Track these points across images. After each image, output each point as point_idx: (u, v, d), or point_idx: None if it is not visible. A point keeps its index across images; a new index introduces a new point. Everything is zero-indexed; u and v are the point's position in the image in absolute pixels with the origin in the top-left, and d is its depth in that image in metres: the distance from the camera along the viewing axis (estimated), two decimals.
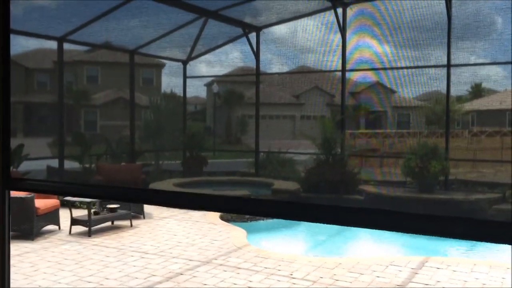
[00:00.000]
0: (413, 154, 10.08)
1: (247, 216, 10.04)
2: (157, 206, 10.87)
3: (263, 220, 10.14)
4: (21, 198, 7.72)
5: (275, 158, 13.49)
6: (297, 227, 10.29)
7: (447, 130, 10.49)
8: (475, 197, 9.40)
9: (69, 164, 12.38)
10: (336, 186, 10.80)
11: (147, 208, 10.37)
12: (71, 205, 8.57)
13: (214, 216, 9.80)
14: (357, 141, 14.76)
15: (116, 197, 2.08)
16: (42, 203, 8.15)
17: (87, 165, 12.44)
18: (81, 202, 9.24)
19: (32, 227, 7.86)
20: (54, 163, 11.95)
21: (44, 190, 2.64)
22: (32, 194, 7.97)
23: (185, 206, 1.78)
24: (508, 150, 11.19)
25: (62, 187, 2.70)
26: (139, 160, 14.11)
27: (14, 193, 7.45)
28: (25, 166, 11.38)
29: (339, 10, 11.51)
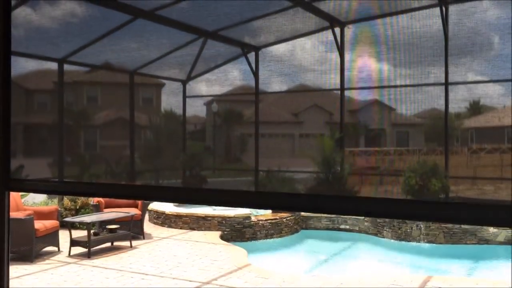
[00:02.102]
0: (413, 172, 10.08)
1: (247, 236, 9.99)
2: (157, 227, 10.81)
3: (263, 239, 10.08)
4: (20, 219, 7.69)
5: (274, 177, 13.47)
6: (298, 246, 10.23)
7: (446, 147, 10.50)
8: None
9: None
10: None
11: (147, 228, 10.32)
12: (70, 226, 8.53)
13: (215, 236, 9.75)
14: (356, 159, 14.76)
15: (116, 194, 2.08)
16: (42, 225, 8.11)
17: None
18: (80, 223, 9.21)
19: (31, 248, 7.81)
20: None
21: (44, 190, 2.62)
22: (32, 216, 7.94)
23: (198, 202, 1.78)
24: (508, 167, 11.17)
25: (63, 186, 2.67)
26: (139, 179, 14.08)
27: (13, 215, 7.42)
28: None
29: (337, 30, 11.64)
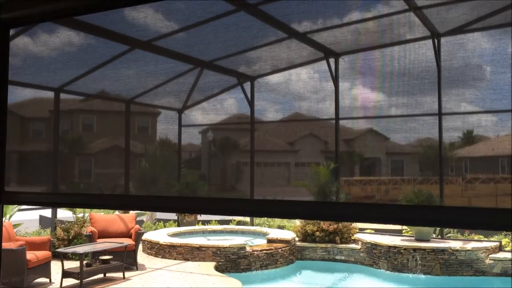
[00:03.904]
0: (408, 202, 10.06)
1: (242, 266, 9.87)
2: (151, 257, 10.67)
3: (258, 270, 9.96)
4: (12, 250, 7.57)
5: None
6: (294, 277, 10.11)
7: (441, 177, 10.52)
8: (471, 246, 9.31)
9: (62, 214, 12.23)
10: (332, 235, 10.70)
11: (141, 259, 10.19)
12: (63, 257, 8.41)
13: (209, 266, 9.63)
14: (351, 188, 14.73)
15: (111, 205, 2.07)
16: (34, 255, 8.00)
17: (80, 215, 12.30)
18: (73, 254, 9.08)
19: (22, 280, 7.67)
20: (47, 212, 11.79)
21: (40, 202, 2.56)
22: (24, 246, 7.83)
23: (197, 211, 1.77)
24: (503, 197, 11.19)
25: (57, 197, 2.61)
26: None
27: (5, 245, 7.32)
28: (17, 216, 11.24)
29: (331, 60, 11.80)
